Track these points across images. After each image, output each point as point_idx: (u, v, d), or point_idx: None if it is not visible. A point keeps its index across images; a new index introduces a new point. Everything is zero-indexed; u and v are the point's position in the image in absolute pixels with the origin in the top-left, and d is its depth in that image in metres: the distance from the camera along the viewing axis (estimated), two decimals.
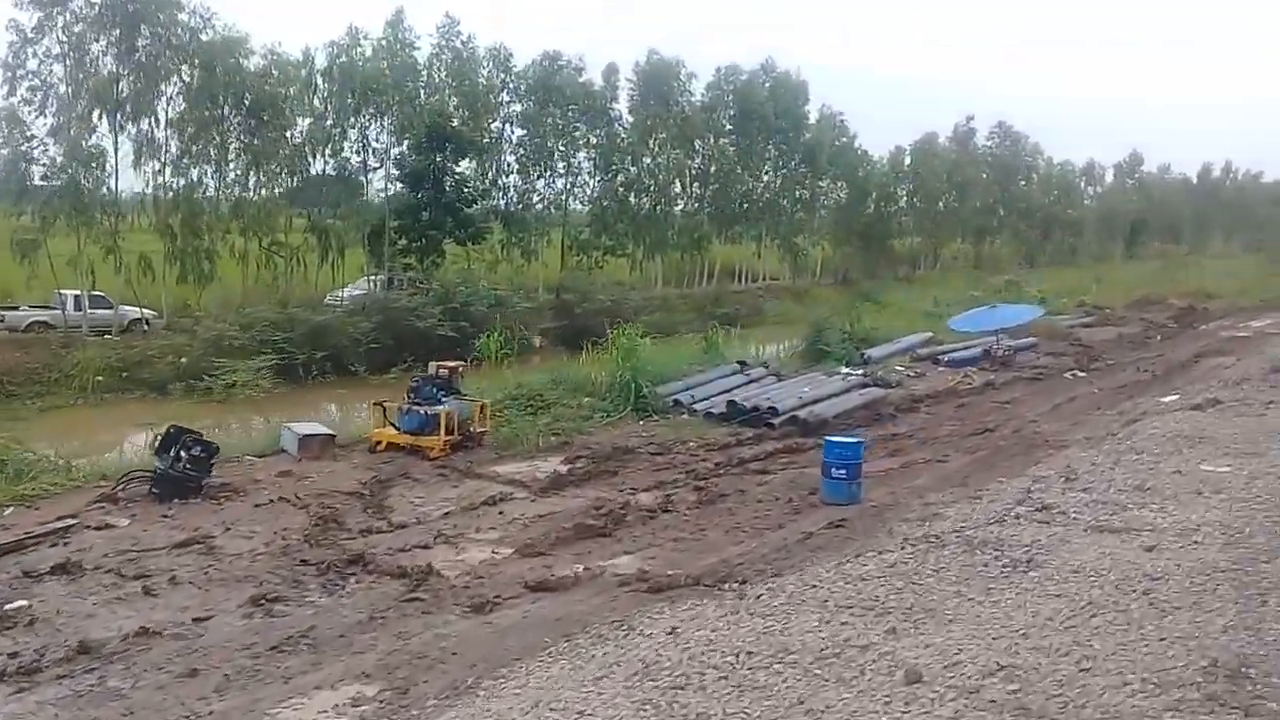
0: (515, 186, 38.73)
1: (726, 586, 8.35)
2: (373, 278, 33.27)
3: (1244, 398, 15.85)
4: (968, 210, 62.26)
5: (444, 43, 35.72)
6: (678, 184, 44.32)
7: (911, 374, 22.81)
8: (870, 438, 16.91)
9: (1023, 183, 68.99)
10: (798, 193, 50.32)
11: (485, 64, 37.70)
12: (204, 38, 28.45)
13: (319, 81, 31.72)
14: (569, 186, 40.51)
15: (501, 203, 38.28)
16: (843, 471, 12.65)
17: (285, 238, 32.01)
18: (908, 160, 57.83)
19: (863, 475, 12.96)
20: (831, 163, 51.01)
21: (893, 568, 8.03)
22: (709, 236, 45.59)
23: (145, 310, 28.32)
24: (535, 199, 39.39)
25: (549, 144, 38.58)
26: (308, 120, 31.80)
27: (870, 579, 7.73)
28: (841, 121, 51.55)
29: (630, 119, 41.74)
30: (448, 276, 31.89)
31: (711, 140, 45.55)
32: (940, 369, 23.64)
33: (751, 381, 20.25)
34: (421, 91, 34.93)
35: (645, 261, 43.36)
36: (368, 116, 32.64)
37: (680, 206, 45.26)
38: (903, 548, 8.68)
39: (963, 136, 62.52)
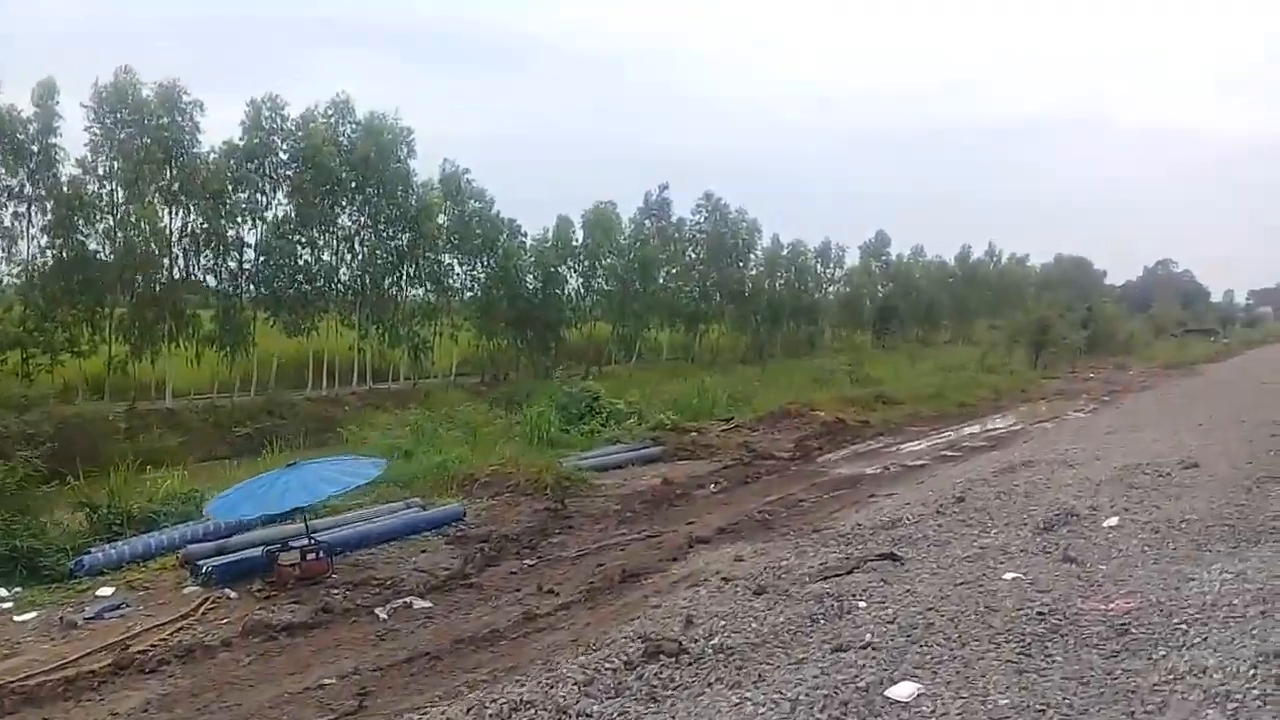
0: None
1: None
2: None
3: None
4: (665, 293, 52.53)
5: None
6: (182, 253, 32.07)
7: (126, 604, 11.26)
8: None
9: (740, 264, 60.07)
10: (407, 269, 39.16)
11: None
12: None
13: None
14: None
15: None
16: None
17: None
18: (578, 233, 47.68)
19: None
20: (457, 233, 40.27)
21: None
22: (248, 323, 33.54)
23: None
24: None
25: None
26: None
27: None
28: (469, 182, 40.95)
29: (94, 160, 29.62)
30: None
31: (258, 198, 33.97)
32: (191, 586, 12.24)
33: None
34: None
35: (134, 361, 30.79)
36: None
37: (209, 283, 33.17)
38: None
39: (656, 207, 52.90)
